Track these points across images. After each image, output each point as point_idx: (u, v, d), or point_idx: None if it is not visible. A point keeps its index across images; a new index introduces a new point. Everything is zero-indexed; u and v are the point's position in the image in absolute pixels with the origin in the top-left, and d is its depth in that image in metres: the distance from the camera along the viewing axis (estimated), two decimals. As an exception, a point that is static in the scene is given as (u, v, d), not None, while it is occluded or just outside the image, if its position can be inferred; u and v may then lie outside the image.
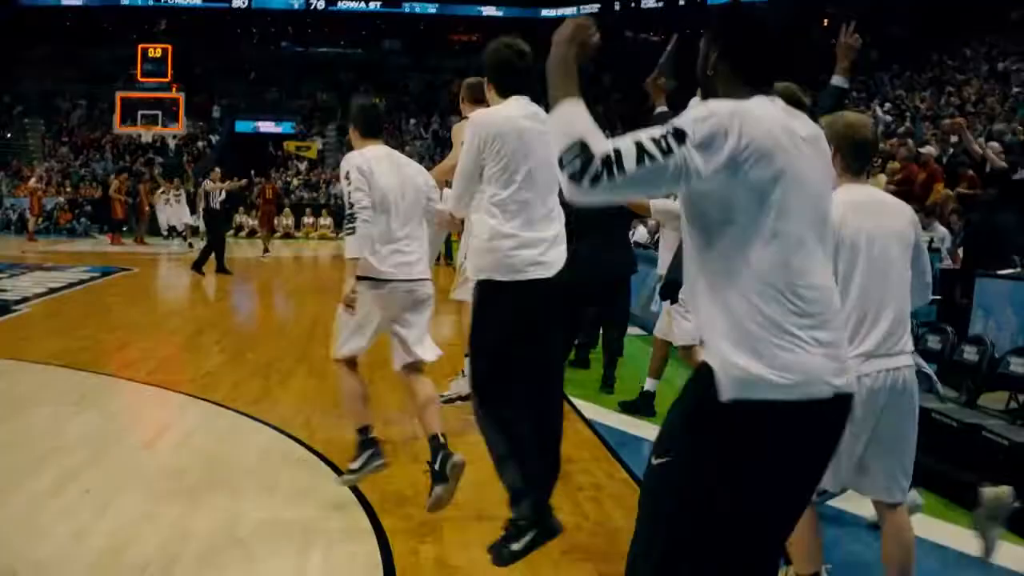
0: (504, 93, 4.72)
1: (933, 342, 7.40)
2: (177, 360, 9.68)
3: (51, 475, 5.91)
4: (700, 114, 2.55)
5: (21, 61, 48.91)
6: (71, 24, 52.57)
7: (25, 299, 14.46)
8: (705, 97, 2.83)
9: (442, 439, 5.25)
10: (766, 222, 2.57)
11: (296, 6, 51.76)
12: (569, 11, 51.38)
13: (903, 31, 37.00)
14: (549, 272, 4.49)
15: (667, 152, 2.47)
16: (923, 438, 4.13)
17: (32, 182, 32.58)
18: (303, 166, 41.89)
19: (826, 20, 45.11)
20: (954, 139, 15.59)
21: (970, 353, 7.12)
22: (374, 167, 5.48)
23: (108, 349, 10.98)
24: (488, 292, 4.54)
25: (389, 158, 5.69)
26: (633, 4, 49.35)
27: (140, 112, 33.80)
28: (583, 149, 2.48)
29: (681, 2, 47.80)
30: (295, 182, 39.59)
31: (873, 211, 4.04)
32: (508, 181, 4.49)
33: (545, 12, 52.38)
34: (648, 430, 7.39)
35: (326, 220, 35.16)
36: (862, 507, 5.18)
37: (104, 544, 4.90)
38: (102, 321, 13.09)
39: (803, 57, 37.20)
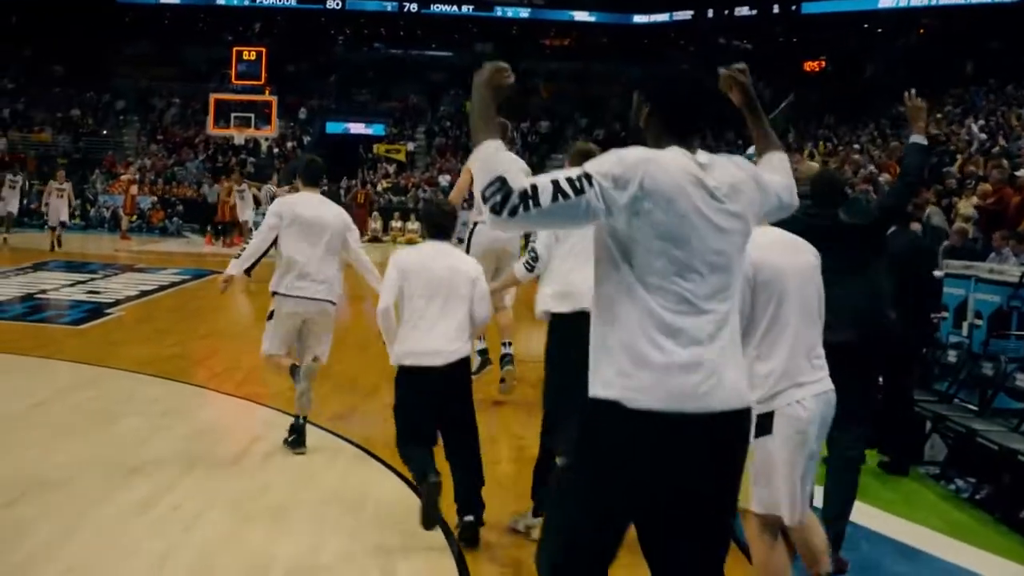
0: None
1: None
2: (265, 371, 9.81)
3: (140, 489, 6.08)
4: (610, 159, 2.95)
5: (118, 59, 50.00)
6: (168, 22, 53.61)
7: (118, 302, 14.82)
8: (636, 143, 3.14)
9: None
10: (661, 260, 2.90)
11: (389, 8, 52.11)
12: (661, 17, 51.21)
13: (1001, 43, 36.05)
14: None
15: (579, 191, 2.82)
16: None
17: (125, 178, 33.15)
18: (392, 168, 42.09)
19: (922, 29, 44.48)
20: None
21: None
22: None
23: (197, 358, 11.21)
24: None
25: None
26: (726, 12, 48.93)
27: (233, 114, 34.19)
28: (503, 184, 2.80)
29: (775, 10, 47.26)
30: (383, 184, 39.82)
31: (790, 250, 4.33)
32: None
33: (637, 18, 52.20)
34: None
35: (414, 224, 35.18)
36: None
37: (190, 564, 5.04)
38: (191, 327, 13.36)
39: (902, 65, 36.59)
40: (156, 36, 51.69)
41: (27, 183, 30.47)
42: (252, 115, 33.70)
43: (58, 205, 25.24)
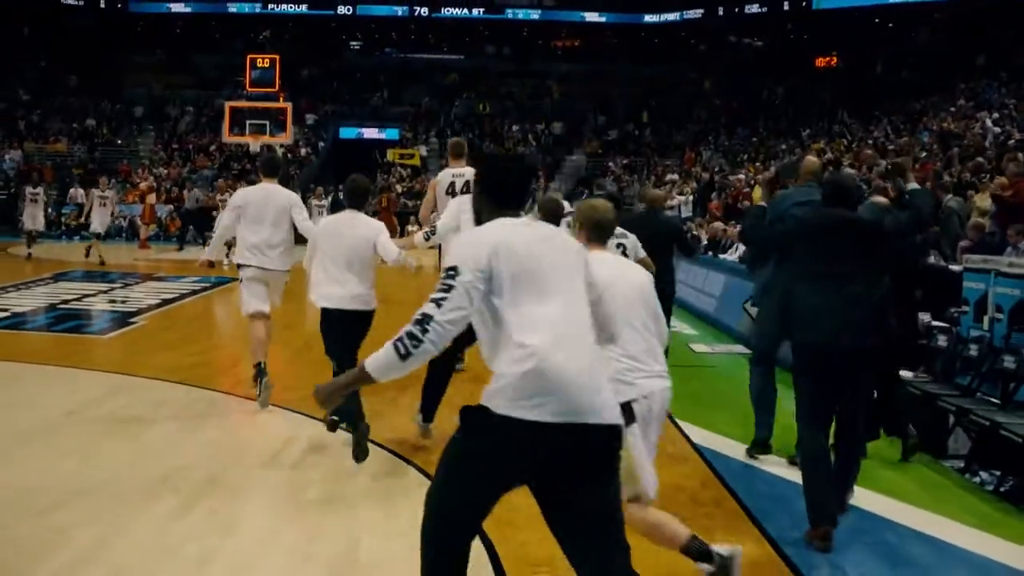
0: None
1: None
2: (288, 376, 9.90)
3: (178, 494, 6.20)
4: (458, 245, 3.68)
5: (131, 67, 50.31)
6: (179, 31, 53.90)
7: (140, 311, 14.96)
8: (475, 211, 4.00)
9: None
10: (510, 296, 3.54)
11: (400, 13, 52.28)
12: (672, 16, 51.25)
13: (1013, 35, 35.94)
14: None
15: (450, 288, 3.48)
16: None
17: (145, 186, 33.35)
18: (406, 173, 42.22)
19: (934, 26, 44.38)
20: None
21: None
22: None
23: (221, 365, 11.34)
24: None
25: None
26: (736, 9, 48.94)
27: (248, 121, 34.32)
28: (397, 340, 3.46)
29: (786, 6, 47.23)
30: (399, 188, 39.92)
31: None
32: None
33: (648, 18, 52.24)
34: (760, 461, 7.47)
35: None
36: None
37: (230, 566, 5.15)
38: (214, 335, 13.52)
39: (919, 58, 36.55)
40: (168, 44, 52.07)
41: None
42: (267, 122, 33.82)
43: (103, 214, 24.82)
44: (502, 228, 3.71)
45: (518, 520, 5.30)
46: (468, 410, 3.53)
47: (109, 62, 49.54)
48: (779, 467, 7.23)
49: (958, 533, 6.10)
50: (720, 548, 4.64)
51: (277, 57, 36.71)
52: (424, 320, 3.44)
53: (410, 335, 3.43)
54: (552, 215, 6.02)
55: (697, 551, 4.64)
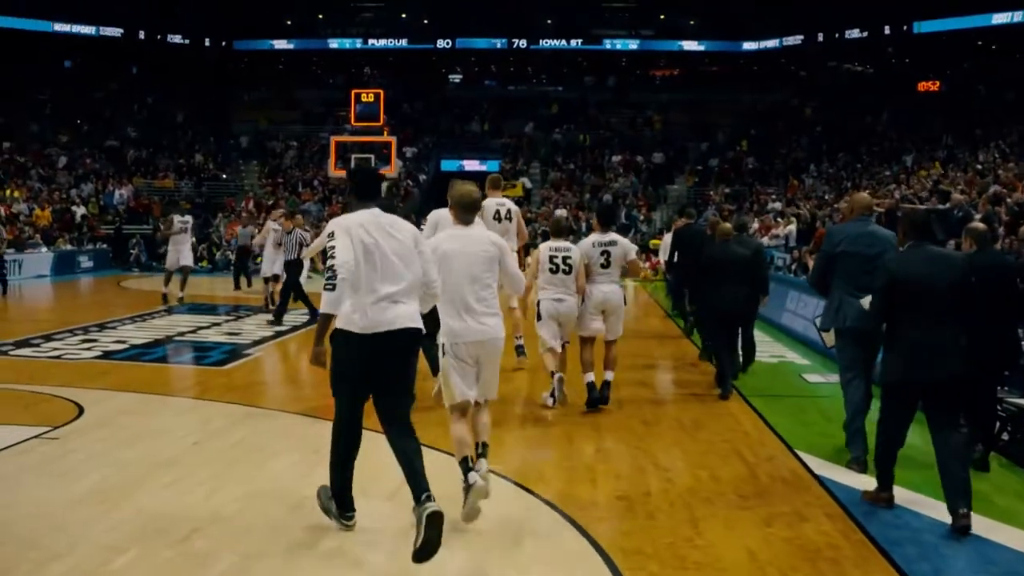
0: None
1: None
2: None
3: (308, 521, 6.36)
4: (329, 230, 6.07)
5: (236, 103, 51.49)
6: (283, 67, 55.05)
7: (255, 343, 15.27)
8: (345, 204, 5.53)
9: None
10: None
11: (499, 46, 52.80)
12: (771, 43, 50.95)
13: None
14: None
15: (333, 258, 5.84)
16: None
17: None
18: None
19: None
20: None
21: None
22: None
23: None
24: None
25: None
26: (836, 34, 48.47)
27: (353, 155, 34.71)
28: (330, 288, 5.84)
29: (887, 30, 46.66)
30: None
31: (468, 241, 6.87)
32: None
33: (747, 45, 52.02)
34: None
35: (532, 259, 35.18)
36: None
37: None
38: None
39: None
40: (272, 80, 53.06)
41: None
42: (372, 155, 34.19)
43: (273, 255, 19.97)
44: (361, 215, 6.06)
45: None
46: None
47: (215, 99, 50.80)
48: (904, 499, 7.15)
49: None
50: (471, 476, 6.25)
51: (381, 92, 37.12)
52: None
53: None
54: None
55: (461, 467, 6.40)
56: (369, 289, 5.90)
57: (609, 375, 10.44)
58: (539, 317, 10.40)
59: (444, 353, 6.78)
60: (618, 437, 9.19)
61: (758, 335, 13.64)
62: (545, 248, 10.48)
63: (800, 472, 8.00)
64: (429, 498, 5.59)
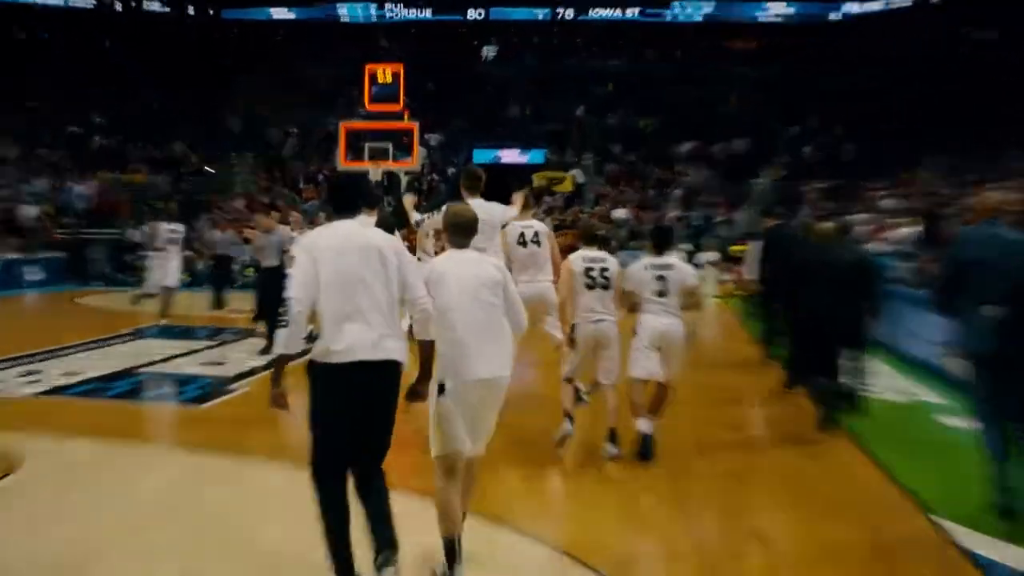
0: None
1: None
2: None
3: None
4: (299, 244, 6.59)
5: (226, 84, 51.30)
6: (282, 40, 55.01)
7: (240, 375, 14.88)
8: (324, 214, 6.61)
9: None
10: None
11: (541, 16, 52.58)
12: (876, 5, 50.30)
13: None
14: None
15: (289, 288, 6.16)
16: None
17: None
18: (554, 201, 41.75)
19: None
20: None
21: None
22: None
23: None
24: None
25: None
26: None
27: (367, 145, 34.21)
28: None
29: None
30: (551, 222, 39.58)
31: (466, 263, 6.90)
32: None
33: (847, 7, 51.49)
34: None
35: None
36: None
37: None
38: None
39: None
40: (269, 56, 52.95)
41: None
42: (389, 145, 33.73)
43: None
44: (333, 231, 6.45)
45: None
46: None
47: (200, 78, 50.54)
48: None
49: None
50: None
51: (400, 67, 36.43)
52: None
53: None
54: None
55: (446, 550, 6.45)
56: (342, 316, 6.09)
57: (648, 426, 10.07)
58: (571, 343, 10.28)
59: (441, 393, 6.62)
60: (700, 493, 9.06)
61: (879, 367, 13.12)
62: (578, 259, 10.37)
63: (936, 539, 7.79)
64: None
